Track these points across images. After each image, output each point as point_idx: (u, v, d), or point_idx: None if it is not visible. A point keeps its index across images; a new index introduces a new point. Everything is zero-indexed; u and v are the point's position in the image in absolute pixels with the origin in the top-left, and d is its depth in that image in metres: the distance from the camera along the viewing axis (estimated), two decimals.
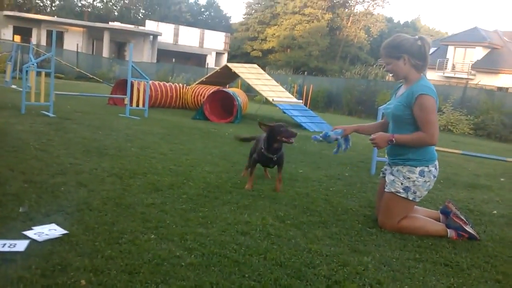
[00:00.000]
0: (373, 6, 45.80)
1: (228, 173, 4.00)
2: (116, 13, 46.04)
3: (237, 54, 45.17)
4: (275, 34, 44.01)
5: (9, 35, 27.75)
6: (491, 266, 2.36)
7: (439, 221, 2.89)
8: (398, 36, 2.86)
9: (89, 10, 43.77)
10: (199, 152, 4.96)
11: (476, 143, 10.83)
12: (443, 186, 4.53)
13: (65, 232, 2.22)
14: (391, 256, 2.37)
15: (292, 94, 14.93)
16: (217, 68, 13.19)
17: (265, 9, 46.42)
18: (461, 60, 30.88)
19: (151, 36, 33.39)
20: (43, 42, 27.57)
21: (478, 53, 30.09)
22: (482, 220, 3.31)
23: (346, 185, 4.07)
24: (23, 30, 28.70)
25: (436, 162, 2.84)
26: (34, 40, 26.00)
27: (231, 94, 9.11)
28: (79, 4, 46.32)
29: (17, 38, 27.50)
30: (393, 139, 2.75)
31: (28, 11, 36.23)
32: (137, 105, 8.29)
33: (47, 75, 7.21)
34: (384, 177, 2.99)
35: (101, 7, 46.80)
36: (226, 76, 11.27)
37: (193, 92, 10.92)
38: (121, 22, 35.41)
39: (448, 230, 2.79)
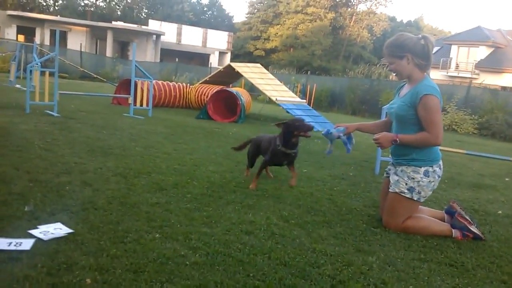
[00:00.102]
0: (376, 5, 45.81)
1: (232, 173, 4.00)
2: (119, 13, 46.15)
3: (240, 53, 45.20)
4: (278, 33, 44.01)
5: (12, 34, 27.86)
6: (496, 267, 2.36)
7: (444, 221, 2.88)
8: (401, 35, 2.83)
9: (92, 9, 43.84)
10: (203, 152, 4.97)
11: (480, 143, 10.80)
12: (448, 186, 4.52)
13: (71, 231, 2.23)
14: (396, 256, 2.37)
15: (296, 93, 14.92)
16: (220, 67, 13.20)
17: (268, 8, 46.41)
18: (464, 59, 30.78)
19: (154, 36, 33.43)
20: (47, 41, 27.69)
21: (482, 52, 30.00)
22: (487, 220, 3.30)
23: (350, 185, 4.07)
24: (27, 30, 28.81)
25: (441, 162, 2.83)
26: (37, 39, 26.09)
27: (235, 93, 9.11)
28: (82, 4, 46.52)
29: (21, 37, 27.64)
30: (397, 139, 2.74)
31: (31, 11, 36.33)
32: (141, 105, 8.31)
33: (51, 74, 7.24)
34: (388, 177, 2.98)
35: (104, 6, 46.93)
36: (230, 75, 11.27)
37: (196, 91, 10.93)
38: (124, 22, 35.50)
39: (453, 230, 2.77)
